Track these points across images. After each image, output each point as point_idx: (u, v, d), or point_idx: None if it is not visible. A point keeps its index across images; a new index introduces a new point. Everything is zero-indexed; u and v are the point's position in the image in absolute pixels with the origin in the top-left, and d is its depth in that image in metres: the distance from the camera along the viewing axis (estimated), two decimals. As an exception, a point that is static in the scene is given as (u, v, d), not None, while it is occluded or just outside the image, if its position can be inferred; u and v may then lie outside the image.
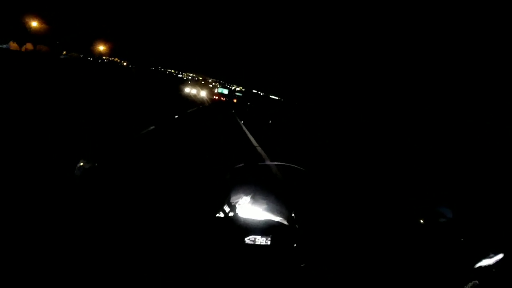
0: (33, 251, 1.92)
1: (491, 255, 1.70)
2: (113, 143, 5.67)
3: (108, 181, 2.17)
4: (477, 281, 1.63)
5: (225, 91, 65.56)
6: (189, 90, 43.33)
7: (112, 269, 1.89)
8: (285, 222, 1.87)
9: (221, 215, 1.81)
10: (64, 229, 2.08)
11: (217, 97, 52.51)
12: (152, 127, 8.37)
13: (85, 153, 1.88)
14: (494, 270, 1.67)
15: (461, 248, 1.94)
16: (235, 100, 58.94)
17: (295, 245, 1.84)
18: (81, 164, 1.90)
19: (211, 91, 53.69)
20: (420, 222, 2.16)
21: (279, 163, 1.93)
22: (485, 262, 1.69)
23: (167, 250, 2.06)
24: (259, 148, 8.53)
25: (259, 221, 1.80)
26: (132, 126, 9.05)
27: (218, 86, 71.40)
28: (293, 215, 1.88)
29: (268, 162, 2.05)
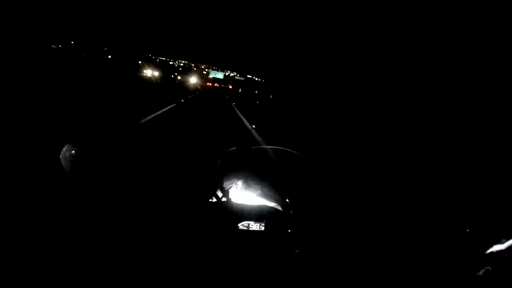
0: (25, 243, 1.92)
1: (503, 240, 1.73)
2: (106, 132, 5.62)
3: (102, 170, 2.15)
4: (489, 267, 1.65)
5: (220, 75, 62.69)
6: (182, 78, 44.92)
7: (107, 260, 1.90)
8: (279, 208, 1.88)
9: (214, 200, 1.81)
10: (56, 219, 2.08)
11: (210, 84, 50.96)
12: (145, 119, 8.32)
13: (72, 138, 1.85)
14: (506, 256, 1.71)
15: (470, 234, 1.97)
16: (230, 86, 56.93)
17: (289, 231, 1.85)
18: (67, 150, 1.87)
19: (204, 78, 52.34)
20: (421, 207, 2.19)
21: (273, 147, 1.93)
22: (497, 247, 1.70)
23: (161, 237, 2.07)
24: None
25: (253, 207, 1.81)
26: (125, 116, 9.01)
27: (210, 70, 64.62)
28: (287, 200, 1.89)
29: (262, 146, 2.04)
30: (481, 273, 1.65)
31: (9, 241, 1.95)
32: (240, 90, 55.64)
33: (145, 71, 34.14)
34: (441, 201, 2.20)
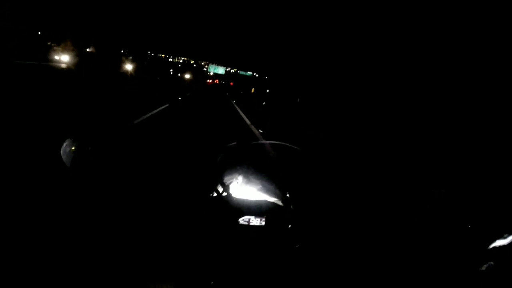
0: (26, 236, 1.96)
1: (506, 235, 1.75)
2: (107, 129, 5.67)
3: (103, 165, 2.18)
4: (492, 263, 1.67)
5: (221, 70, 58.54)
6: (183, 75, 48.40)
7: (106, 255, 1.93)
8: (280, 203, 1.90)
9: (215, 195, 1.84)
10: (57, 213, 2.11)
11: (210, 81, 50.14)
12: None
13: (73, 133, 1.88)
14: (509, 251, 1.71)
15: (473, 229, 1.99)
16: (231, 84, 54.67)
17: (289, 226, 1.88)
18: (68, 145, 1.90)
19: (203, 76, 51.97)
20: (422, 202, 2.21)
21: (273, 141, 1.96)
22: (500, 243, 1.71)
23: (162, 232, 2.10)
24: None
25: (253, 202, 1.84)
26: (126, 114, 9.05)
27: (209, 65, 59.75)
28: (287, 195, 1.92)
29: (262, 141, 2.07)
30: (483, 268, 1.67)
31: (10, 237, 1.99)
32: (253, 91, 51.53)
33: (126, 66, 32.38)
34: (443, 197, 2.22)
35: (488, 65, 13.16)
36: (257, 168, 1.89)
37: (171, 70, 51.21)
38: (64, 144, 1.80)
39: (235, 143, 1.96)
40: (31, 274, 1.76)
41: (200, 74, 54.19)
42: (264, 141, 1.95)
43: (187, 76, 47.29)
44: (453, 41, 15.59)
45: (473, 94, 12.73)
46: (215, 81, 52.95)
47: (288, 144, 1.95)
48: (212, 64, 60.06)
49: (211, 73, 63.33)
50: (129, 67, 31.66)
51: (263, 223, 1.80)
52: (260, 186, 1.88)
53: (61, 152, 1.81)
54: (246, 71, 62.50)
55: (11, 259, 1.82)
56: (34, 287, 1.70)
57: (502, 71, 12.30)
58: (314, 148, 7.83)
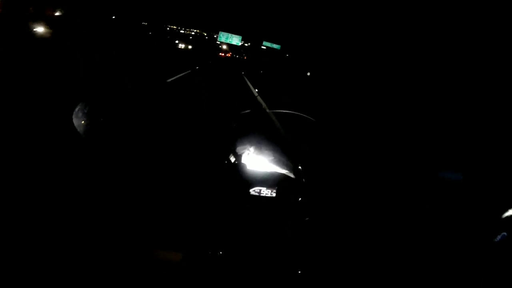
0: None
1: None
2: (119, 96, 5.70)
3: (116, 138, 2.21)
4: (505, 233, 1.67)
5: (235, 40, 45.31)
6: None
7: (118, 221, 1.99)
8: (291, 175, 1.91)
9: (227, 164, 1.86)
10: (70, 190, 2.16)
11: (223, 54, 47.12)
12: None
13: (85, 97, 1.90)
14: None
15: (487, 200, 1.97)
16: (245, 57, 49.40)
17: (300, 198, 1.90)
18: (81, 109, 1.91)
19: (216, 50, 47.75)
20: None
21: (287, 111, 1.94)
22: None
23: (174, 198, 2.15)
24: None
25: (265, 173, 1.85)
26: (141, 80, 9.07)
27: (220, 34, 47.61)
28: (299, 167, 1.93)
29: (276, 110, 2.05)
30: (498, 239, 1.67)
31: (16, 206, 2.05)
32: (245, 58, 44.80)
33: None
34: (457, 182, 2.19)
35: (488, 65, 12.64)
36: (269, 139, 1.88)
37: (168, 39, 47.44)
38: (77, 109, 1.82)
39: (249, 111, 1.96)
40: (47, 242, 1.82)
41: (210, 46, 50.17)
42: (278, 110, 1.93)
43: (181, 45, 44.76)
44: (453, 41, 14.92)
45: (474, 93, 12.31)
46: (227, 54, 48.13)
47: (303, 114, 1.93)
48: (224, 32, 47.61)
49: (223, 46, 50.26)
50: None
51: (274, 194, 1.82)
52: (272, 158, 1.89)
53: (73, 116, 1.83)
54: (273, 41, 48.48)
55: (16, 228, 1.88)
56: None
57: (502, 71, 11.81)
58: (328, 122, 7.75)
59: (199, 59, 28.28)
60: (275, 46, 47.77)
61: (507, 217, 1.68)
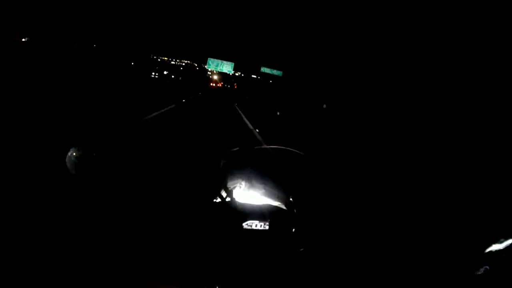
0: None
1: (502, 240, 1.78)
2: (109, 132, 5.75)
3: (107, 172, 2.26)
4: (487, 267, 1.72)
5: (227, 67, 39.82)
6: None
7: (111, 260, 1.99)
8: (283, 207, 1.96)
9: (218, 200, 1.90)
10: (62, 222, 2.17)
11: (213, 84, 42.56)
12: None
13: (77, 142, 1.96)
14: (504, 255, 1.75)
15: (470, 233, 2.03)
16: (236, 86, 45.09)
17: (293, 229, 1.94)
18: (73, 153, 1.98)
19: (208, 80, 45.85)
20: (421, 206, 2.26)
21: (276, 146, 2.01)
22: (496, 247, 1.76)
23: (167, 237, 2.16)
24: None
25: (257, 206, 1.89)
26: (128, 115, 9.10)
27: (208, 60, 41.79)
28: (291, 199, 1.97)
29: (265, 146, 2.13)
30: (480, 272, 1.72)
31: (12, 243, 2.04)
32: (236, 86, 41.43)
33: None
34: (447, 199, 2.26)
35: (488, 65, 13.13)
36: (260, 173, 1.94)
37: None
38: (69, 153, 1.87)
39: (238, 148, 2.03)
40: (33, 276, 1.81)
41: (200, 77, 45.91)
42: (267, 146, 2.01)
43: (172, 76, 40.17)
44: (453, 41, 15.55)
45: (476, 94, 12.69)
46: (218, 85, 43.82)
47: (291, 149, 2.00)
48: (214, 59, 40.48)
49: (213, 76, 44.35)
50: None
51: (267, 227, 1.86)
52: (263, 191, 1.94)
53: (66, 160, 1.88)
54: (271, 67, 42.16)
55: (13, 263, 1.87)
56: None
57: (503, 71, 12.26)
58: (316, 148, 7.86)
59: (187, 90, 26.30)
60: (276, 72, 41.84)
61: (489, 251, 1.73)
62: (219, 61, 41.49)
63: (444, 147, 9.19)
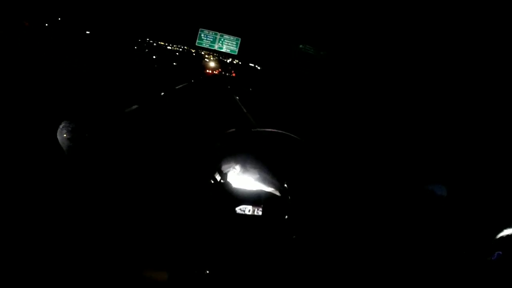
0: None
1: None
2: (104, 113, 5.70)
3: (99, 152, 2.23)
4: (500, 252, 1.73)
5: (230, 45, 27.77)
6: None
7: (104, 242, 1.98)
8: (277, 193, 1.95)
9: (212, 183, 1.89)
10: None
11: (209, 71, 38.24)
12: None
13: (69, 115, 1.92)
14: None
15: (481, 219, 2.04)
16: (234, 74, 41.31)
17: (286, 216, 1.93)
18: (65, 128, 1.93)
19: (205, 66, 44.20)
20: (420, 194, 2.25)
21: (273, 130, 1.99)
22: (508, 232, 1.76)
23: (159, 219, 2.15)
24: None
25: (251, 191, 1.88)
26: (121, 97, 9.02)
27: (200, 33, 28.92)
28: (285, 185, 1.97)
29: (261, 129, 2.11)
30: (492, 258, 1.73)
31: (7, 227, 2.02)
32: (234, 75, 34.46)
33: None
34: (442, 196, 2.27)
35: (488, 65, 13.21)
36: (255, 157, 1.93)
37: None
38: (61, 126, 1.84)
39: (234, 130, 2.00)
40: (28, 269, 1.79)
41: (197, 63, 42.28)
42: (264, 129, 1.99)
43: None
44: (453, 41, 15.57)
45: (473, 92, 12.78)
46: (215, 72, 36.17)
47: (288, 133, 1.99)
48: (208, 31, 28.64)
49: (210, 62, 33.29)
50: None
51: (260, 213, 1.85)
52: (257, 176, 1.92)
53: (57, 134, 1.85)
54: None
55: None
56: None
57: (502, 71, 12.35)
58: (315, 139, 7.88)
59: (181, 76, 23.87)
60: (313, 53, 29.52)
61: (501, 237, 1.74)
62: (217, 34, 28.75)
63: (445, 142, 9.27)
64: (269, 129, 2.02)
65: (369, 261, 2.26)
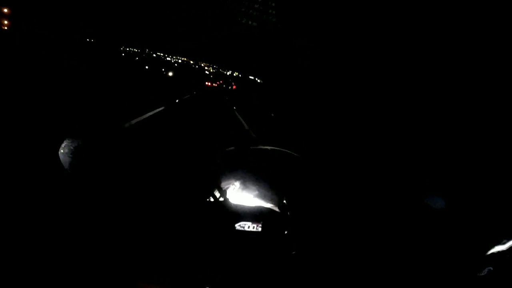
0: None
1: (504, 241, 1.81)
2: (104, 129, 5.75)
3: (100, 167, 2.27)
4: (491, 268, 1.75)
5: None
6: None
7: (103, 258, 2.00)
8: (276, 209, 1.98)
9: (211, 200, 1.93)
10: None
11: (209, 83, 39.29)
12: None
13: (71, 134, 1.97)
14: (508, 256, 1.78)
15: (473, 235, 2.07)
16: (234, 87, 41.84)
17: (286, 232, 1.97)
18: (67, 145, 1.98)
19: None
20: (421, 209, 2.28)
21: (272, 147, 2.05)
22: (499, 248, 1.80)
23: (158, 236, 2.17)
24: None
25: (250, 207, 1.92)
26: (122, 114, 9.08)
27: None
28: (284, 201, 2.01)
29: (260, 146, 2.15)
30: (483, 273, 1.76)
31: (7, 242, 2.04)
32: (235, 87, 34.80)
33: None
34: (441, 205, 2.30)
35: (488, 66, 13.29)
36: (254, 174, 1.97)
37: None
38: (63, 145, 1.88)
39: (233, 147, 2.06)
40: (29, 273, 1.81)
41: (196, 75, 44.65)
42: (262, 147, 2.04)
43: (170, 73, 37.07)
44: (453, 41, 15.67)
45: (473, 95, 12.84)
46: (214, 84, 38.88)
47: (286, 150, 2.04)
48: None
49: (206, 68, 41.81)
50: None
51: (260, 229, 1.89)
52: (257, 192, 1.97)
53: (59, 153, 1.89)
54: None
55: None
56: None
57: (502, 72, 12.42)
58: (312, 150, 7.90)
59: (181, 88, 23.98)
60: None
61: (492, 253, 1.78)
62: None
63: (441, 148, 9.29)
64: (268, 147, 2.07)
65: (368, 277, 2.28)
